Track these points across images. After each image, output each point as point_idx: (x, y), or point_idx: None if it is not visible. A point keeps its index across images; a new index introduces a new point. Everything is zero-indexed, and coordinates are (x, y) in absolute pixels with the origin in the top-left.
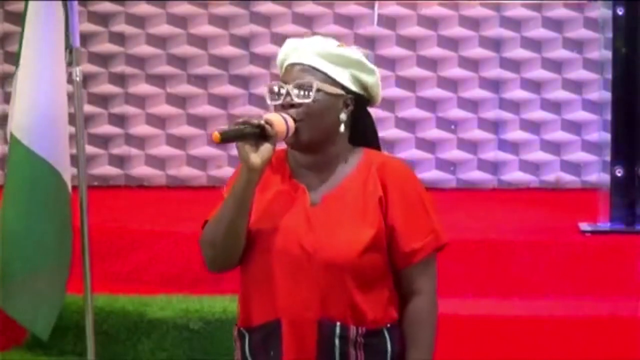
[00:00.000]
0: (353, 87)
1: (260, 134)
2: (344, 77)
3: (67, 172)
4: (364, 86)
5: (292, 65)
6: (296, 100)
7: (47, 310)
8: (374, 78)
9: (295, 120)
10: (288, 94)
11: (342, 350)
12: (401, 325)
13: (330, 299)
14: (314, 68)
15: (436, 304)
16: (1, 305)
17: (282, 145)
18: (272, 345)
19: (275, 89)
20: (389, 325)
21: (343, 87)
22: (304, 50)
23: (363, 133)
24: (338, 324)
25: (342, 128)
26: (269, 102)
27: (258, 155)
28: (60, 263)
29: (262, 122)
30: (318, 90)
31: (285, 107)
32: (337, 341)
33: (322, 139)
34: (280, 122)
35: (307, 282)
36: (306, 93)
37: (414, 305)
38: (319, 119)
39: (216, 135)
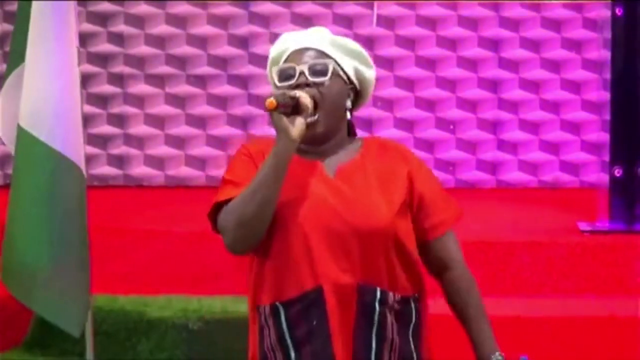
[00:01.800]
0: (354, 79)
1: (293, 109)
2: (350, 67)
3: (82, 163)
4: (361, 80)
5: (301, 50)
6: (311, 79)
7: (76, 303)
8: (372, 73)
9: (315, 100)
10: (302, 74)
11: (381, 314)
12: (447, 295)
13: (368, 264)
14: (325, 54)
15: (473, 279)
16: (28, 305)
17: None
18: (315, 314)
19: (291, 70)
20: (416, 295)
21: (348, 77)
22: (313, 37)
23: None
24: (378, 288)
25: (348, 115)
26: (278, 84)
27: (295, 129)
28: (81, 254)
29: (297, 94)
30: (333, 71)
31: (300, 87)
32: (377, 305)
33: (335, 128)
34: (307, 98)
35: (345, 249)
36: (322, 73)
37: (455, 275)
38: (333, 103)
39: (271, 101)
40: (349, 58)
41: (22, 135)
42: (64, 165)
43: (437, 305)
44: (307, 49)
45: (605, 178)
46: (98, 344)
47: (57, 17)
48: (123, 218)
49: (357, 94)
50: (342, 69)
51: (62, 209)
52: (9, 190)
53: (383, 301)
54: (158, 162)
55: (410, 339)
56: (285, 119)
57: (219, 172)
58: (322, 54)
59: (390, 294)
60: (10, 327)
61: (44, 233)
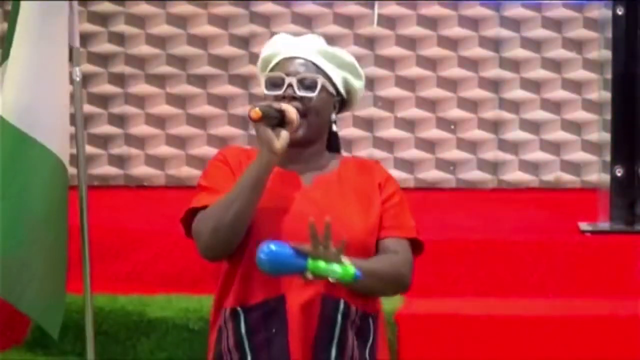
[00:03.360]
0: (342, 90)
1: (279, 121)
2: (339, 79)
3: (66, 156)
4: (349, 90)
5: (291, 58)
6: (299, 93)
7: (53, 301)
8: (361, 84)
9: (300, 114)
10: (290, 86)
11: (342, 327)
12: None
13: None
14: (315, 65)
15: (404, 272)
16: (10, 300)
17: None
18: (275, 322)
19: (279, 80)
20: (374, 313)
21: (335, 89)
22: (304, 46)
23: (331, 138)
24: (342, 300)
25: (334, 128)
26: (265, 92)
27: (279, 141)
28: (58, 251)
29: (283, 106)
30: (322, 87)
31: (287, 98)
32: (339, 318)
33: (316, 137)
34: (293, 111)
35: None
36: (311, 88)
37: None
38: (318, 116)
39: (257, 111)
40: (340, 69)
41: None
42: (46, 157)
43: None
44: (297, 58)
45: (606, 178)
46: (98, 343)
47: (45, 15)
48: (123, 218)
49: (344, 102)
50: (330, 81)
51: (42, 203)
52: None
53: (345, 314)
54: (159, 162)
55: (367, 357)
56: (270, 131)
57: None
58: (312, 66)
59: (353, 307)
60: (11, 326)
61: (20, 225)
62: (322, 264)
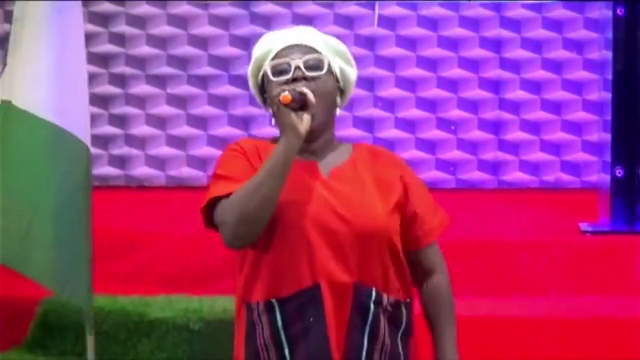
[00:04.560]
0: (339, 79)
1: (300, 105)
2: (336, 66)
3: (88, 138)
4: (345, 80)
5: (292, 46)
6: (308, 73)
7: (80, 277)
8: (354, 73)
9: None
10: (298, 68)
11: (375, 315)
12: (423, 303)
13: (364, 264)
14: (315, 50)
15: (450, 282)
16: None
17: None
18: (312, 311)
19: (285, 65)
20: (408, 300)
21: (336, 76)
22: (301, 34)
23: None
24: (374, 289)
25: (338, 112)
26: (272, 79)
27: (303, 124)
28: (84, 229)
29: (304, 89)
30: (328, 66)
31: (297, 80)
32: (372, 306)
33: (326, 123)
34: (312, 94)
35: (342, 248)
36: (318, 67)
37: (434, 282)
38: (327, 97)
39: (287, 96)
40: (336, 57)
41: (16, 114)
42: (67, 140)
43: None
44: (297, 45)
45: (606, 178)
46: (99, 344)
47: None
48: (124, 218)
49: (342, 91)
50: (330, 66)
51: (66, 182)
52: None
53: (378, 302)
54: (159, 163)
55: (399, 343)
56: (294, 115)
57: (219, 172)
58: (314, 50)
59: (385, 295)
60: (11, 326)
61: (45, 206)
62: None
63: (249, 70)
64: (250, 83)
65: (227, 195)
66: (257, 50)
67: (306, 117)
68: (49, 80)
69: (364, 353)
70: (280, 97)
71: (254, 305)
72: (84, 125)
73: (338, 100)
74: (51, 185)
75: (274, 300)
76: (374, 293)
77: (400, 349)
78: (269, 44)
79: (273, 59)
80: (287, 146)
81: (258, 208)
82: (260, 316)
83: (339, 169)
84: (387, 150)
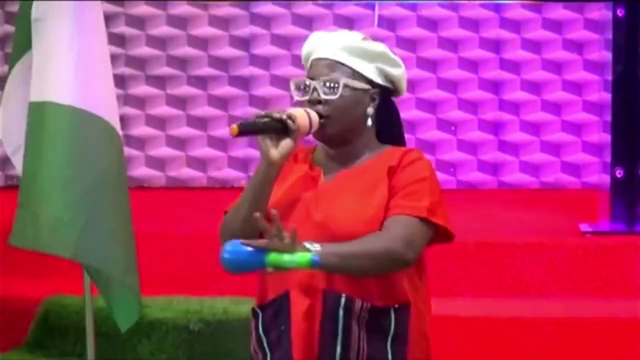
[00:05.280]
0: (379, 81)
1: (282, 129)
2: (370, 70)
3: (117, 123)
4: (389, 79)
5: (318, 60)
6: (323, 96)
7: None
8: (400, 71)
9: (321, 117)
10: (315, 90)
11: (345, 323)
12: None
13: None
14: (340, 63)
15: (394, 247)
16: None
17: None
18: (283, 319)
19: (302, 85)
20: (397, 305)
21: (370, 81)
22: (329, 45)
23: (388, 126)
24: (344, 295)
25: (369, 122)
26: (295, 97)
27: (278, 150)
28: (125, 210)
29: (284, 116)
30: (345, 86)
31: (312, 102)
32: (341, 312)
33: (349, 133)
34: (304, 117)
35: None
36: (333, 90)
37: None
38: (345, 114)
39: (234, 128)
40: (368, 62)
41: (49, 108)
42: (98, 124)
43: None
44: (323, 59)
45: (606, 179)
46: (99, 344)
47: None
48: None
49: (390, 90)
50: (361, 76)
51: (109, 168)
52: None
53: (348, 309)
54: (159, 163)
55: (389, 350)
56: (266, 141)
57: (220, 173)
58: (336, 65)
59: (358, 302)
60: (11, 327)
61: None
62: (278, 255)
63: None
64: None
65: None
66: (303, 51)
67: (285, 143)
68: (79, 72)
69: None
70: (230, 128)
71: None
72: (114, 112)
73: (369, 109)
74: (98, 172)
75: (256, 308)
76: (343, 300)
77: (390, 356)
78: (308, 48)
79: (309, 67)
80: (260, 170)
81: (239, 228)
82: (251, 322)
83: (343, 174)
84: (407, 151)
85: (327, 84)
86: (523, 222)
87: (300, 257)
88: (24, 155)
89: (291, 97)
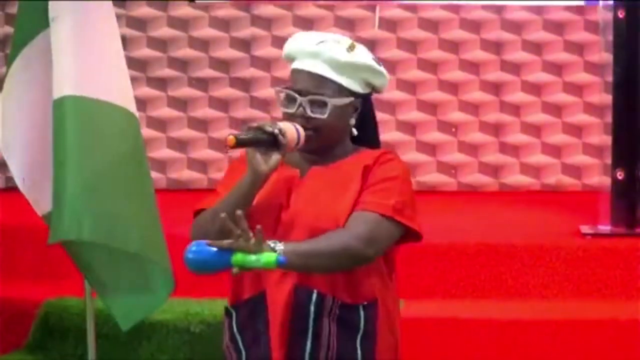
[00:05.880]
0: (362, 91)
1: (272, 142)
2: (356, 84)
3: (134, 108)
4: (373, 87)
5: (304, 72)
6: (310, 114)
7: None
8: (384, 81)
9: (305, 129)
10: (301, 105)
11: (315, 318)
12: None
13: None
14: (326, 78)
15: (352, 244)
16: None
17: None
18: (259, 319)
19: (291, 97)
20: (365, 303)
21: (353, 93)
22: (315, 57)
23: (364, 127)
24: (315, 291)
25: (354, 131)
26: (281, 108)
27: (267, 164)
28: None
29: (276, 130)
30: (332, 105)
31: (298, 116)
32: (312, 308)
33: (332, 143)
34: (292, 132)
35: None
36: (320, 109)
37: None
38: (331, 129)
39: (231, 139)
40: (357, 74)
41: (77, 102)
42: (120, 113)
43: (438, 308)
44: (307, 72)
45: (607, 181)
46: (99, 346)
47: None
48: None
49: (370, 93)
50: (346, 89)
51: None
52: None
53: (319, 305)
54: (160, 165)
55: (358, 347)
56: (257, 156)
57: (221, 175)
58: (323, 80)
59: (329, 298)
60: (12, 329)
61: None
62: (244, 256)
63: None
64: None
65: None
66: (285, 48)
67: (274, 157)
68: (105, 65)
69: (307, 356)
70: (227, 139)
71: (224, 310)
72: (131, 99)
73: (352, 120)
74: (128, 159)
75: (230, 307)
76: (314, 295)
77: (359, 353)
78: (292, 49)
79: (290, 74)
80: (248, 181)
81: (216, 233)
82: (224, 321)
83: (317, 170)
84: (382, 153)
85: (314, 103)
86: (524, 224)
87: (266, 257)
88: (53, 152)
89: None
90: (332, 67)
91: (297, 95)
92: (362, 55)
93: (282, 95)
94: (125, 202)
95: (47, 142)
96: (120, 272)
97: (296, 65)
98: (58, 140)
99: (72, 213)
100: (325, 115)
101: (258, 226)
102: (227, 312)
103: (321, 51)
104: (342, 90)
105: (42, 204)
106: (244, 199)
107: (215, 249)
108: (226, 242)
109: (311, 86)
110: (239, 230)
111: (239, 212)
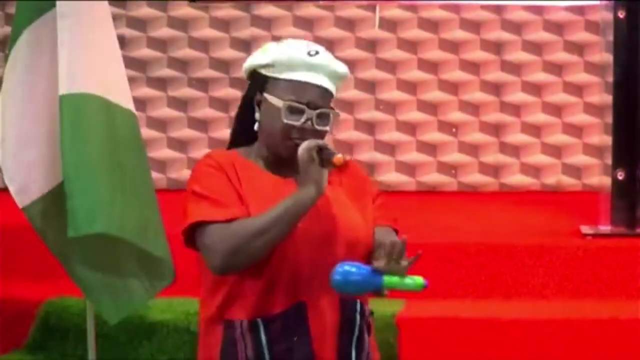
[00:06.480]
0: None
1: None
2: (335, 92)
3: (132, 105)
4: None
5: (310, 85)
6: (318, 127)
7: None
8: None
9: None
10: (309, 119)
11: (360, 326)
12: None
13: None
14: (328, 91)
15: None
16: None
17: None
18: (297, 330)
19: (299, 109)
20: (371, 310)
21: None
22: (318, 71)
23: None
24: (358, 300)
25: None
26: (285, 120)
27: (326, 181)
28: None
29: (340, 155)
30: (332, 117)
31: (304, 129)
32: (358, 318)
33: None
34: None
35: (328, 263)
36: (324, 121)
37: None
38: (323, 138)
39: (340, 159)
40: (340, 83)
41: (83, 99)
42: (118, 111)
43: (439, 308)
44: (317, 87)
45: (607, 181)
46: (99, 346)
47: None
48: None
49: None
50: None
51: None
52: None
53: (362, 313)
54: (160, 166)
55: (369, 351)
56: (325, 172)
57: None
58: (326, 94)
59: (366, 307)
60: (12, 329)
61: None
62: (396, 279)
63: (258, 59)
64: (249, 66)
65: (214, 221)
66: (274, 56)
67: (326, 174)
68: (111, 63)
69: None
70: (334, 159)
71: (237, 324)
72: (129, 97)
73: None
74: (130, 154)
75: (259, 320)
76: (358, 305)
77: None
78: (293, 59)
79: (294, 91)
80: (307, 199)
81: (262, 249)
82: (243, 335)
83: (332, 183)
84: (358, 166)
85: (321, 117)
86: (524, 224)
87: (415, 282)
88: (61, 147)
89: None
90: (331, 79)
91: (305, 108)
92: (343, 65)
93: (289, 106)
94: (129, 196)
95: (40, 134)
96: (119, 262)
97: (299, 77)
98: (67, 136)
99: (87, 207)
100: (328, 127)
101: (419, 251)
102: (253, 327)
103: (322, 64)
104: (333, 100)
105: (24, 195)
106: (296, 218)
107: (366, 270)
108: (379, 264)
109: (319, 99)
110: (395, 254)
111: (404, 236)
